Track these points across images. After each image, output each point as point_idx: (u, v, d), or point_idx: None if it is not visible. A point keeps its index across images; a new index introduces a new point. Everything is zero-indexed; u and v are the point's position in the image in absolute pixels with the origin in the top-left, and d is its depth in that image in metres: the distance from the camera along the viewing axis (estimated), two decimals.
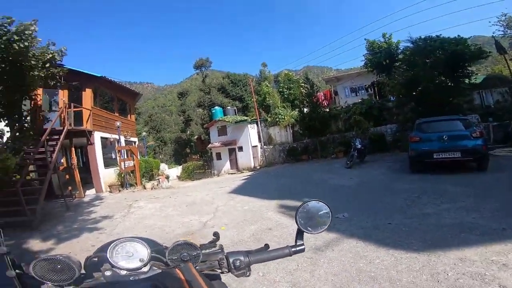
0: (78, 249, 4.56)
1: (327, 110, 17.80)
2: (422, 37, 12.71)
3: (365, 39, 18.14)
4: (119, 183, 11.74)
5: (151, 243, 0.80)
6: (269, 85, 25.71)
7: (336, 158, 13.83)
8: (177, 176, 23.67)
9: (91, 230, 5.61)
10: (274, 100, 23.49)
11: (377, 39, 17.69)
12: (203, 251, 0.85)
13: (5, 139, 8.64)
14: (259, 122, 20.59)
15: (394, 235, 3.50)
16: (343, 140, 14.86)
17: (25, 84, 7.84)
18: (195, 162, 26.63)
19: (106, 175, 11.72)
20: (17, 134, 8.32)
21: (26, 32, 7.25)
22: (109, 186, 11.32)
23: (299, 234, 0.92)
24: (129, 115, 16.37)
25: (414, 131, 7.60)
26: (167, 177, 16.34)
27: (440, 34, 12.51)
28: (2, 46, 6.89)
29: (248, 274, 0.86)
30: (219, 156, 23.42)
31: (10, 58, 7.10)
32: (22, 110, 8.96)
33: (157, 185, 12.89)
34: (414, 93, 12.22)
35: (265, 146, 20.19)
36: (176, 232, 4.96)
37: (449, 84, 11.75)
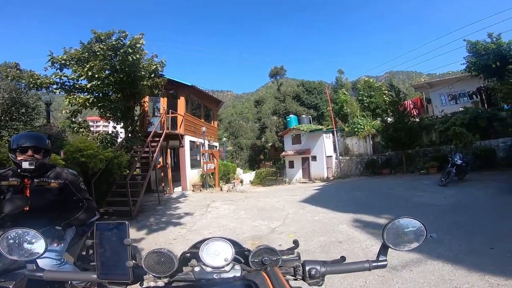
0: (162, 240, 5.06)
1: (417, 120, 15.70)
2: None
3: (465, 40, 15.39)
4: (201, 183, 13.08)
5: (235, 244, 0.86)
6: (346, 93, 24.42)
7: (426, 174, 11.99)
8: (250, 181, 24.77)
9: (175, 225, 6.20)
10: (353, 109, 22.15)
11: (482, 39, 14.81)
12: (282, 257, 0.88)
13: (119, 139, 10.76)
14: (335, 132, 19.74)
15: (494, 261, 2.92)
16: (437, 155, 12.80)
17: (137, 92, 9.43)
18: (268, 168, 27.36)
19: (191, 175, 13.20)
20: (130, 135, 10.20)
21: (137, 45, 8.72)
22: (192, 185, 12.72)
23: (383, 249, 0.88)
24: (212, 121, 17.98)
25: None
26: (241, 181, 17.35)
27: None
28: (121, 58, 8.37)
29: (321, 284, 0.86)
30: (291, 165, 23.46)
31: (127, 69, 8.58)
32: (134, 115, 11.02)
33: (232, 188, 13.80)
34: None
35: (340, 157, 19.19)
36: (245, 235, 5.16)
37: None
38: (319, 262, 0.87)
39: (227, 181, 15.14)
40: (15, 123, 12.41)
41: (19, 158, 1.81)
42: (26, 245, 0.90)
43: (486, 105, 15.44)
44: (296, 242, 1.06)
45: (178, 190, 12.45)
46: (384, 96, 19.81)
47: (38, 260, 1.75)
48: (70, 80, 9.04)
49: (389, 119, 15.05)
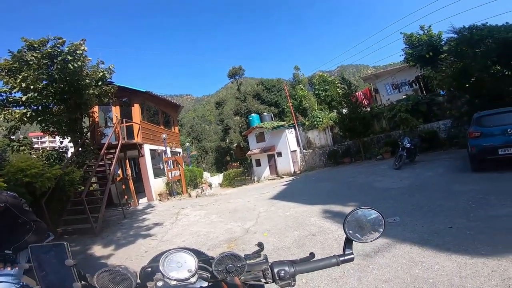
0: (133, 255, 4.89)
1: (368, 109, 16.94)
2: (466, 26, 11.49)
3: (401, 33, 17.12)
4: (167, 191, 12.52)
5: (198, 254, 0.83)
6: (304, 88, 25.40)
7: (382, 159, 13.00)
8: (219, 183, 24.46)
9: (145, 237, 5.98)
10: (311, 103, 23.11)
11: (415, 32, 16.61)
12: (248, 262, 0.85)
13: (69, 154, 9.80)
14: (296, 127, 20.38)
15: (456, 240, 3.15)
16: (389, 140, 13.98)
17: (83, 102, 8.69)
18: (236, 169, 27.27)
19: (156, 184, 12.58)
20: (80, 149, 9.35)
21: (78, 51, 8.04)
22: (158, 194, 12.13)
23: (348, 243, 0.88)
24: (172, 127, 17.35)
25: (473, 126, 6.80)
26: (210, 185, 16.99)
27: (486, 23, 11.18)
28: (59, 66, 7.68)
29: (293, 284, 0.85)
30: (258, 163, 23.67)
31: (67, 78, 7.87)
32: (83, 127, 10.09)
33: (201, 192, 13.46)
34: (467, 85, 11.03)
35: (304, 151, 19.87)
36: (220, 239, 5.07)
37: (507, 73, 10.38)
38: (287, 262, 0.85)
39: (195, 186, 14.72)
40: None
41: None
42: None
43: (424, 92, 17.23)
44: (260, 245, 1.01)
45: (143, 201, 11.80)
46: (338, 89, 20.96)
47: None
48: (2, 94, 7.96)
49: (344, 111, 15.99)
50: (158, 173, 13.17)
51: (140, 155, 12.14)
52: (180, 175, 13.55)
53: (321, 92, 23.63)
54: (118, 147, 10.03)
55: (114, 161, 9.46)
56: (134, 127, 11.88)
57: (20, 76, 7.35)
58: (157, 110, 15.18)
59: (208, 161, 40.59)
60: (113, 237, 6.25)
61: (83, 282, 0.75)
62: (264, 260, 0.91)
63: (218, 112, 46.79)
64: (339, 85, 22.20)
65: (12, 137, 9.12)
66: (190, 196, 12.55)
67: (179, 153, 16.97)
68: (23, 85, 7.38)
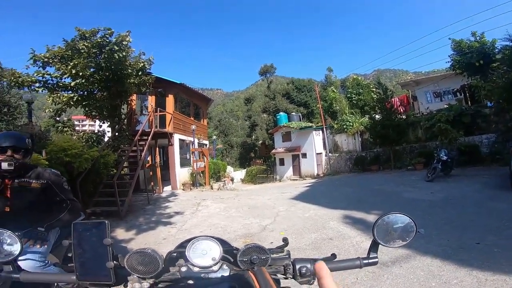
0: (152, 240, 5.02)
1: (404, 117, 16.06)
2: None
3: (449, 38, 15.83)
4: (191, 182, 12.97)
5: (223, 243, 0.84)
6: (335, 91, 24.77)
7: (413, 170, 12.30)
8: (240, 179, 24.78)
9: (165, 224, 6.11)
10: (342, 106, 22.47)
11: (465, 38, 15.28)
12: (271, 255, 0.85)
13: (106, 138, 10.50)
14: (324, 129, 19.94)
15: (481, 256, 3.00)
16: (423, 151, 13.16)
17: (124, 90, 9.21)
18: (259, 166, 27.45)
19: (181, 174, 13.08)
20: (116, 134, 9.98)
21: (124, 42, 8.51)
22: (182, 184, 12.60)
23: (374, 247, 0.87)
24: (202, 119, 17.84)
25: None
26: (232, 179, 17.30)
27: None
28: (106, 56, 8.18)
29: (312, 282, 0.84)
30: (282, 162, 23.57)
31: (112, 67, 8.38)
32: (121, 113, 10.76)
33: (223, 186, 13.76)
34: None
35: (330, 154, 19.41)
36: (237, 233, 5.13)
37: None
38: (309, 260, 0.85)
39: (218, 179, 15.08)
40: None
41: None
42: (5, 247, 0.89)
43: (469, 102, 15.91)
44: (285, 240, 1.03)
45: (167, 189, 12.32)
46: (372, 93, 20.14)
47: (21, 262, 1.65)
48: (53, 78, 8.71)
49: (377, 116, 15.31)
50: (184, 163, 13.66)
51: (170, 144, 12.65)
52: (204, 166, 13.94)
53: (353, 95, 22.86)
54: (151, 134, 10.54)
55: (145, 148, 9.94)
56: (166, 116, 12.40)
57: (71, 63, 7.96)
58: (189, 102, 15.65)
59: (233, 155, 41.23)
60: (136, 221, 6.42)
61: (115, 262, 0.78)
62: (287, 256, 0.92)
63: (247, 108, 47.27)
64: (374, 89, 21.31)
65: (57, 118, 10.00)
66: (212, 188, 12.87)
67: (206, 145, 17.42)
68: (73, 71, 7.98)
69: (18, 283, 0.91)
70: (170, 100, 12.89)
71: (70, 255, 2.26)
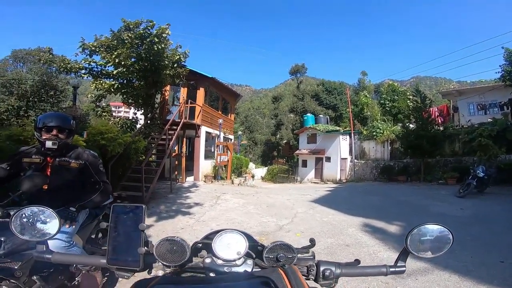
0: (170, 229, 5.03)
1: (442, 128, 15.08)
2: None
3: (502, 47, 14.51)
4: (213, 174, 13.23)
5: (248, 238, 0.82)
6: (368, 96, 23.83)
7: (444, 184, 11.57)
8: (261, 176, 24.83)
9: (184, 214, 6.20)
10: (373, 112, 21.61)
11: None
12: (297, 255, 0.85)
13: (138, 125, 11.06)
14: (352, 134, 19.34)
15: (503, 274, 2.89)
16: (458, 166, 12.30)
17: (159, 80, 9.61)
18: (281, 165, 27.33)
19: (204, 166, 13.38)
20: (148, 122, 10.47)
21: (163, 35, 8.83)
22: (204, 176, 12.89)
23: (403, 255, 0.86)
24: (229, 114, 18.03)
25: None
26: (253, 176, 17.43)
27: None
28: (146, 47, 8.59)
29: (334, 286, 0.84)
30: (304, 164, 23.27)
31: (151, 58, 8.78)
32: (155, 103, 11.27)
33: (243, 182, 13.90)
34: None
35: (355, 160, 18.81)
36: (253, 230, 5.12)
37: None
38: (334, 263, 0.85)
39: (239, 175, 15.26)
40: (43, 104, 13.07)
41: (43, 137, 1.85)
42: (39, 225, 0.86)
43: None
44: (312, 241, 1.03)
45: (190, 179, 12.67)
46: (408, 101, 19.09)
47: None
48: (98, 66, 9.35)
49: (411, 125, 14.54)
50: (208, 155, 13.94)
51: (197, 135, 13.00)
52: (227, 160, 14.17)
53: (387, 102, 21.87)
54: (180, 125, 10.91)
55: (174, 137, 10.31)
56: (196, 108, 12.72)
57: (115, 53, 8.49)
58: (218, 96, 15.91)
59: (256, 152, 41.40)
60: (157, 209, 6.54)
61: (145, 248, 0.77)
62: (312, 257, 0.92)
63: (274, 107, 47.05)
64: (410, 97, 20.16)
65: (97, 103, 10.73)
66: (232, 183, 13.05)
67: (231, 139, 17.63)
68: (116, 60, 8.50)
69: (42, 261, 0.89)
70: (200, 93, 13.20)
71: (93, 236, 2.33)
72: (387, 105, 21.81)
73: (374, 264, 0.86)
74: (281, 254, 0.80)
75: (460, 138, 13.85)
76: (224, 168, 14.00)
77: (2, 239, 1.50)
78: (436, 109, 18.86)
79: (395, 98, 21.71)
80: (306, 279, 0.84)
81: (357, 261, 0.92)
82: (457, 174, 11.47)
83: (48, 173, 1.91)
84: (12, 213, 0.88)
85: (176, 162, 12.05)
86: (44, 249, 0.89)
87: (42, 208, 0.87)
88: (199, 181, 12.55)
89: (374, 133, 18.09)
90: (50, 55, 9.78)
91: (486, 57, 18.66)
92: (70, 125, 1.96)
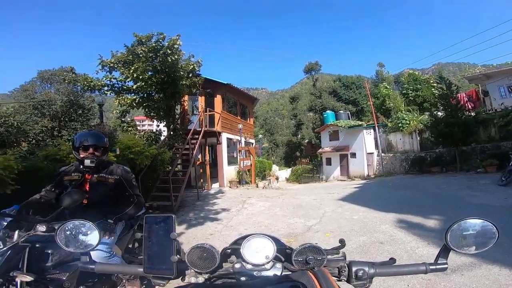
0: (200, 235, 5.11)
1: (473, 114, 14.15)
2: None
3: None
4: (237, 180, 13.32)
5: (276, 241, 0.82)
6: (388, 87, 22.89)
7: (484, 173, 10.75)
8: (285, 178, 24.64)
9: (212, 220, 6.29)
10: (396, 103, 20.71)
11: None
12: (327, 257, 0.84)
13: (162, 137, 11.42)
14: (376, 127, 18.66)
15: None
16: (496, 152, 11.42)
17: (177, 91, 9.84)
18: (304, 165, 26.95)
19: (228, 171, 13.53)
20: (171, 133, 10.78)
21: (175, 46, 9.01)
22: (229, 181, 13.01)
23: (444, 252, 0.83)
24: (248, 118, 18.13)
25: None
26: (277, 178, 17.34)
27: None
28: (160, 59, 8.81)
29: (368, 286, 0.82)
30: (329, 162, 22.78)
31: (167, 70, 9.01)
32: (175, 114, 11.60)
33: (268, 184, 13.87)
34: None
35: (382, 154, 18.10)
36: (280, 232, 5.09)
37: None
38: (367, 263, 0.83)
39: (263, 178, 15.26)
40: (73, 123, 13.93)
41: (81, 156, 2.00)
42: (81, 237, 0.92)
43: None
44: (342, 241, 1.01)
45: (215, 186, 12.85)
46: (433, 89, 18.12)
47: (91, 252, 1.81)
48: (118, 82, 9.75)
49: (439, 113, 13.77)
50: (231, 161, 14.09)
51: (218, 142, 13.20)
52: (251, 165, 14.22)
53: (410, 91, 20.89)
54: (201, 133, 11.10)
55: (196, 146, 10.50)
56: (215, 116, 12.93)
57: (132, 68, 8.82)
58: (235, 102, 16.03)
59: (278, 154, 41.22)
60: (186, 216, 6.70)
61: (178, 256, 0.80)
62: (343, 258, 0.90)
63: (292, 107, 46.67)
64: (435, 84, 19.15)
65: (122, 119, 11.23)
66: (257, 186, 13.05)
67: (252, 144, 17.69)
68: (135, 75, 8.84)
69: (86, 272, 0.96)
70: (218, 100, 13.40)
71: (130, 246, 2.48)
72: (410, 94, 20.81)
73: (413, 262, 0.82)
74: (310, 257, 0.80)
75: (495, 122, 12.92)
76: (248, 173, 14.07)
77: (49, 251, 1.63)
78: (464, 95, 17.74)
79: (418, 87, 20.66)
80: (338, 281, 0.82)
81: (393, 260, 0.89)
82: (496, 161, 10.64)
83: (87, 189, 2.05)
84: (56, 227, 0.95)
85: (201, 170, 12.28)
86: (88, 259, 0.95)
87: (83, 221, 0.93)
88: (224, 187, 12.68)
89: (400, 125, 17.32)
90: (74, 74, 10.35)
91: (509, 38, 17.32)
92: (105, 143, 2.11)
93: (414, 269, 0.83)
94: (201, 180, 11.66)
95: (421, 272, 0.82)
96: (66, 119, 13.58)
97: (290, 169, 27.44)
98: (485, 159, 11.49)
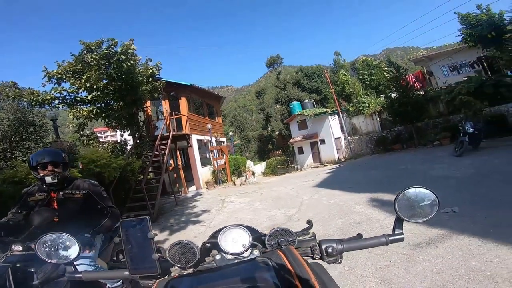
0: (184, 239, 5.27)
1: (422, 92, 15.49)
2: None
3: (455, 12, 15.56)
4: (214, 180, 13.22)
5: (251, 230, 0.89)
6: (346, 74, 24.03)
7: (439, 145, 11.86)
8: (261, 172, 24.88)
9: (194, 223, 6.34)
10: (355, 88, 21.81)
11: (471, 11, 14.93)
12: (297, 238, 0.91)
13: (128, 146, 10.89)
14: (340, 113, 19.56)
15: None
16: (447, 125, 12.70)
17: (138, 98, 9.39)
18: (278, 157, 27.39)
19: (203, 173, 13.37)
20: (138, 141, 10.31)
21: (129, 51, 8.61)
22: (206, 183, 12.88)
23: (398, 223, 0.88)
24: (216, 118, 18.02)
25: None
26: (253, 173, 17.46)
27: None
28: (115, 66, 8.35)
29: (339, 261, 0.88)
30: (301, 151, 23.44)
31: (123, 76, 8.54)
32: (139, 121, 11.09)
33: (245, 181, 13.91)
34: None
35: (349, 137, 19.06)
36: (263, 225, 5.19)
37: None
38: (335, 240, 0.88)
39: (239, 175, 15.28)
40: (26, 142, 12.62)
41: (41, 174, 1.92)
42: (61, 251, 0.94)
43: (489, 73, 15.30)
44: (309, 222, 1.07)
45: (192, 189, 12.65)
46: (385, 72, 19.39)
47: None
48: (70, 94, 9.01)
49: (393, 95, 14.86)
50: (204, 162, 13.93)
51: (189, 145, 12.94)
52: (225, 163, 14.16)
53: (365, 76, 22.17)
54: (170, 138, 10.81)
55: (166, 152, 10.22)
56: (182, 119, 12.65)
57: (84, 77, 8.21)
58: (201, 102, 15.82)
59: (251, 149, 41.39)
60: (167, 223, 6.70)
61: (159, 254, 0.84)
62: (313, 237, 0.96)
63: (259, 102, 47.11)
64: (386, 68, 20.47)
65: (81, 132, 10.45)
66: (234, 184, 13.06)
67: (223, 142, 17.62)
68: (88, 85, 8.23)
69: (76, 285, 0.97)
70: (183, 102, 13.11)
71: (114, 258, 2.46)
72: (366, 79, 22.11)
73: (375, 235, 0.89)
74: (282, 239, 0.87)
75: (442, 99, 14.27)
76: (223, 172, 13.99)
77: (32, 270, 1.58)
78: (412, 76, 19.38)
79: (372, 71, 22.03)
80: (312, 259, 0.89)
81: (359, 235, 0.96)
82: (448, 133, 11.81)
83: (56, 207, 2.00)
84: (33, 245, 0.94)
85: (175, 175, 12.02)
86: (73, 269, 0.99)
87: (60, 234, 0.94)
88: (202, 189, 12.54)
89: (361, 108, 18.35)
90: (17, 89, 9.37)
91: (445, 21, 19.30)
92: (63, 158, 2.03)
93: (376, 241, 0.88)
94: (177, 185, 11.42)
95: (383, 244, 0.87)
96: (17, 139, 12.27)
97: (265, 162, 27.75)
98: (439, 133, 12.71)
